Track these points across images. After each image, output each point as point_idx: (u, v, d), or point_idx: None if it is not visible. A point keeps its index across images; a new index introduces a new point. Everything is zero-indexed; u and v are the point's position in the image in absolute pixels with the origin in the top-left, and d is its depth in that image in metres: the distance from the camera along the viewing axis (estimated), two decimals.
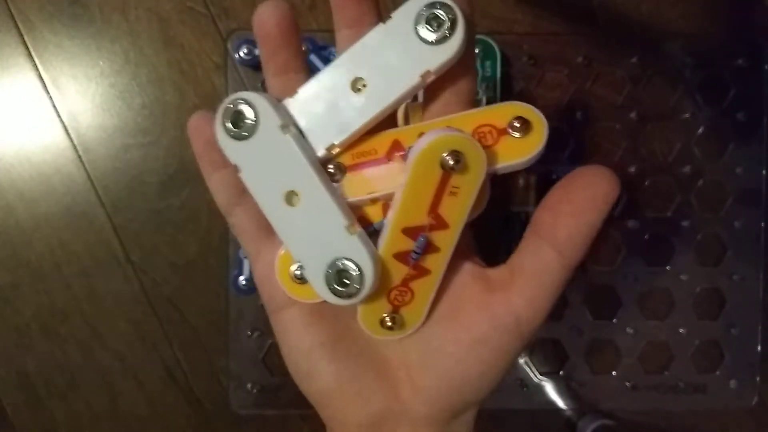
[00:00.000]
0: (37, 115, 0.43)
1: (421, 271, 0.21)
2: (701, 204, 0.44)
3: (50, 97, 0.43)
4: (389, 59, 0.21)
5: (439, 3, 0.20)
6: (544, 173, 0.42)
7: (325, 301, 0.22)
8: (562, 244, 0.20)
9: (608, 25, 0.43)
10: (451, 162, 0.19)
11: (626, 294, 0.44)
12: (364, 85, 0.21)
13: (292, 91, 0.22)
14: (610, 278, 0.44)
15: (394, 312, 0.21)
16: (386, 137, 0.21)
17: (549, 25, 0.43)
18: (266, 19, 0.21)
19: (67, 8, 0.42)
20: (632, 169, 0.43)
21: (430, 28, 0.20)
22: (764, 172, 0.44)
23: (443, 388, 0.22)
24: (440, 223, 0.20)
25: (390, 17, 0.21)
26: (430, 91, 0.22)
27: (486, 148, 0.20)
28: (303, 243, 0.21)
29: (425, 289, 0.22)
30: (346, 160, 0.22)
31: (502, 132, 0.21)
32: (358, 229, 0.21)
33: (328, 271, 0.21)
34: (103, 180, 0.43)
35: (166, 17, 0.42)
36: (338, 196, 0.21)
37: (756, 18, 0.44)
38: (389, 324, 0.21)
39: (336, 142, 0.21)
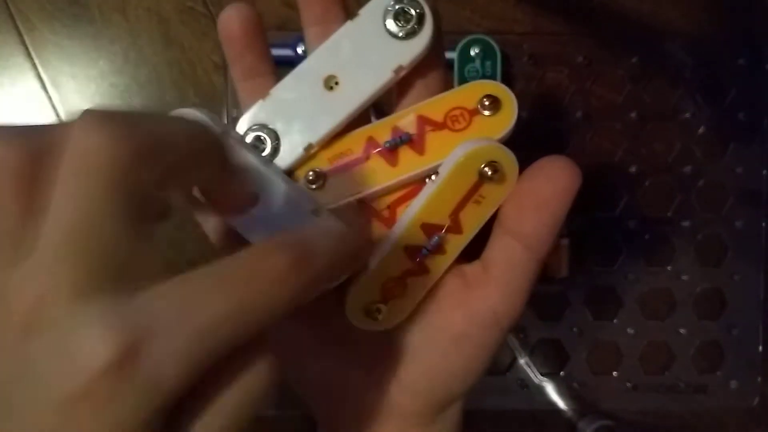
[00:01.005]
0: (36, 115, 0.43)
1: (422, 269, 0.21)
2: (702, 204, 0.43)
3: (49, 97, 0.43)
4: (361, 56, 0.21)
5: None
6: None
7: (307, 304, 0.22)
8: (528, 238, 0.20)
9: (608, 25, 0.43)
10: (489, 172, 0.19)
11: (627, 294, 0.44)
12: (337, 83, 0.21)
13: (261, 94, 0.22)
14: (610, 279, 0.44)
15: (382, 303, 0.21)
16: (360, 135, 0.22)
17: (549, 25, 0.43)
18: (230, 23, 0.21)
19: (67, 8, 0.42)
20: (632, 169, 0.43)
21: (399, 23, 0.20)
22: (765, 172, 0.43)
23: (429, 382, 0.22)
24: (456, 228, 0.21)
25: (358, 14, 0.21)
26: (401, 85, 0.22)
27: (460, 131, 0.21)
28: None
29: (419, 287, 0.22)
30: (324, 164, 0.22)
31: (474, 113, 0.21)
32: (324, 209, 0.21)
33: None
34: None
35: (166, 17, 0.42)
36: (294, 185, 0.21)
37: (756, 18, 0.44)
38: (374, 314, 0.21)
39: (314, 142, 0.21)
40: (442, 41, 0.22)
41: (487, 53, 0.41)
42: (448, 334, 0.21)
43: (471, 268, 0.22)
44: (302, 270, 0.15)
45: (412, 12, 0.20)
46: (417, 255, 0.21)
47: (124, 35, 0.42)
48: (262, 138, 0.21)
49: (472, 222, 0.21)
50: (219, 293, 0.14)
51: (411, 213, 0.21)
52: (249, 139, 0.21)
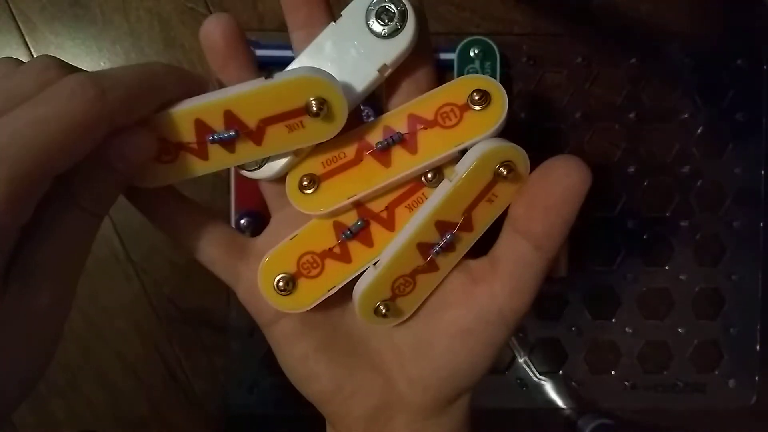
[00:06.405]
0: None
1: (431, 267, 0.21)
2: (700, 204, 0.44)
3: None
4: (345, 57, 0.21)
5: None
6: None
7: (313, 308, 0.22)
8: (539, 239, 0.20)
9: (607, 26, 0.43)
10: (504, 172, 0.20)
11: (625, 294, 0.44)
12: None
13: None
14: (609, 278, 0.44)
15: (391, 300, 0.22)
16: (351, 137, 0.22)
17: (548, 26, 0.43)
18: (211, 33, 0.21)
19: (69, 9, 0.42)
20: (631, 169, 0.43)
21: (381, 22, 0.20)
22: (763, 172, 0.44)
23: (436, 378, 0.22)
24: (467, 226, 0.21)
25: (341, 15, 0.21)
26: (390, 84, 0.22)
27: (451, 127, 0.21)
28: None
29: (428, 284, 0.22)
30: (317, 169, 0.22)
31: (464, 108, 0.21)
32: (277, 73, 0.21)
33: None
34: None
35: (167, 18, 0.42)
36: None
37: (755, 18, 0.44)
38: (383, 312, 0.22)
39: (303, 146, 0.21)
40: (428, 38, 0.22)
41: (486, 54, 0.41)
42: (454, 330, 0.22)
43: (477, 264, 0.22)
44: (94, 85, 0.17)
45: (394, 10, 0.20)
46: (429, 252, 0.21)
47: (125, 36, 0.42)
48: None
49: (483, 220, 0.21)
50: (25, 111, 0.17)
51: (426, 211, 0.21)
52: None
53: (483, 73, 0.41)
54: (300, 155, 0.22)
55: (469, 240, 0.21)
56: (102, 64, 0.43)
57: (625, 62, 0.43)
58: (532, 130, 0.43)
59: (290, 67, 0.21)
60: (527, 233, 0.20)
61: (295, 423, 0.44)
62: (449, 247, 0.21)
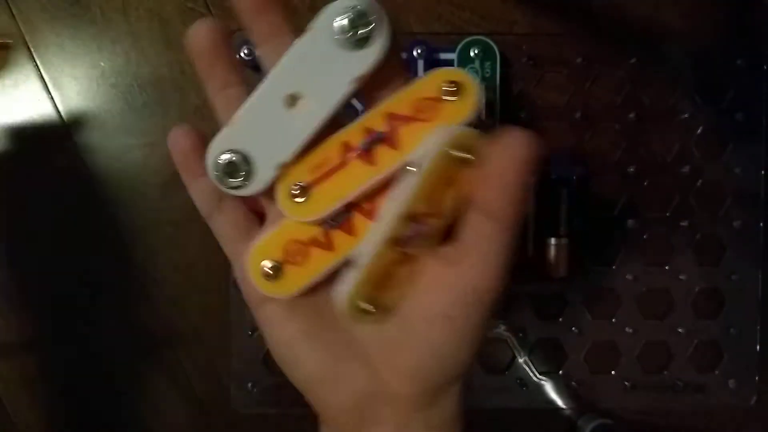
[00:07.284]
0: (38, 115, 0.43)
1: (408, 259, 0.22)
2: (700, 204, 0.44)
3: (51, 98, 0.43)
4: (318, 71, 0.21)
5: (353, 8, 0.20)
6: (544, 173, 0.42)
7: (300, 295, 0.23)
8: (493, 211, 0.21)
9: (607, 26, 0.43)
10: (465, 157, 0.20)
11: (625, 294, 0.44)
12: (300, 100, 0.21)
13: (235, 106, 0.22)
14: (609, 278, 0.44)
15: (375, 296, 0.22)
16: (334, 142, 0.22)
17: (548, 26, 0.43)
18: (200, 36, 0.21)
19: (69, 9, 0.42)
20: (631, 169, 0.43)
21: (351, 34, 0.20)
22: (763, 172, 0.44)
23: (421, 366, 0.22)
24: (436, 213, 0.21)
25: (309, 28, 0.21)
26: (365, 95, 0.22)
27: (429, 120, 0.21)
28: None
29: (406, 275, 0.22)
30: (305, 177, 0.22)
31: (439, 100, 0.21)
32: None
33: None
34: (105, 180, 0.43)
35: (167, 18, 0.42)
36: None
37: (755, 18, 0.44)
38: (369, 309, 0.22)
39: (286, 161, 0.22)
40: (398, 45, 0.22)
41: (486, 54, 0.41)
42: (432, 315, 0.22)
43: (447, 249, 0.22)
44: None
45: (363, 20, 0.20)
46: (402, 246, 0.21)
47: (125, 36, 0.43)
48: (234, 162, 0.22)
49: (451, 205, 0.21)
50: None
51: (390, 209, 0.21)
52: (221, 163, 0.22)
53: (483, 73, 0.41)
54: (283, 170, 0.22)
55: (440, 227, 0.22)
56: (102, 64, 0.43)
57: (625, 62, 0.43)
58: (532, 130, 0.43)
59: (258, 89, 0.21)
60: (482, 207, 0.21)
61: (295, 422, 0.44)
62: (422, 236, 0.21)
